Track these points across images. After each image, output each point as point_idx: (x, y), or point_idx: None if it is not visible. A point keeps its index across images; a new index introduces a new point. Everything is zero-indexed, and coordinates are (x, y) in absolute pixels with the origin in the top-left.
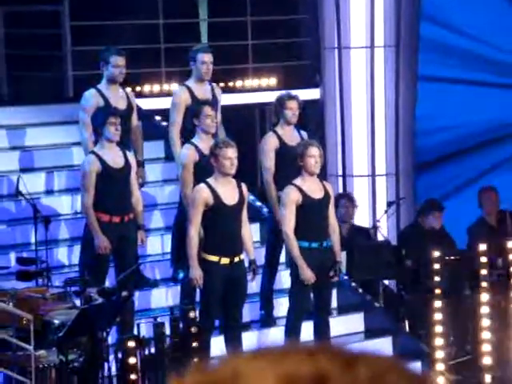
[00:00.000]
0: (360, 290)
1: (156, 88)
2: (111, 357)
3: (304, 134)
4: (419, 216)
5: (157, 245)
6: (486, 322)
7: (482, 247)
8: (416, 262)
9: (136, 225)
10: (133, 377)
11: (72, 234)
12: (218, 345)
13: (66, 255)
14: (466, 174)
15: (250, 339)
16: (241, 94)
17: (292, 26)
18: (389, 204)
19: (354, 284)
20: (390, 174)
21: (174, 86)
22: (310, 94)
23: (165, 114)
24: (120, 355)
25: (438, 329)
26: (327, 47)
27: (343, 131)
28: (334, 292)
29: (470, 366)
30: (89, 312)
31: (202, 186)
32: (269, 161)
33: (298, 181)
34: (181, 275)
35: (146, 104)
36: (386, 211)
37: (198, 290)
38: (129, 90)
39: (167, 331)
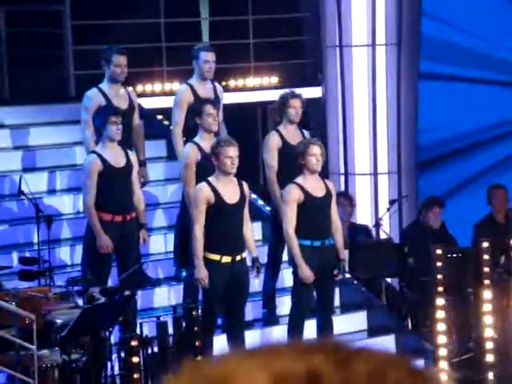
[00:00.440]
0: (363, 289)
1: (158, 87)
2: (114, 356)
3: (306, 133)
4: (420, 213)
5: (159, 244)
6: (488, 320)
7: (485, 244)
8: (418, 260)
9: (138, 224)
10: (136, 376)
11: (74, 233)
12: (220, 343)
13: (69, 255)
14: (468, 172)
15: (252, 338)
16: (242, 93)
17: (293, 25)
18: (391, 202)
19: (356, 282)
20: (392, 172)
21: (176, 85)
22: (312, 92)
23: (167, 113)
24: (123, 354)
25: (441, 326)
26: (329, 45)
27: (345, 129)
28: (337, 290)
29: (472, 363)
30: (91, 311)
31: (203, 184)
32: (272, 159)
33: (299, 179)
34: (183, 274)
35: (147, 103)
36: (388, 209)
37: (200, 289)
38: (130, 89)
39: (170, 330)
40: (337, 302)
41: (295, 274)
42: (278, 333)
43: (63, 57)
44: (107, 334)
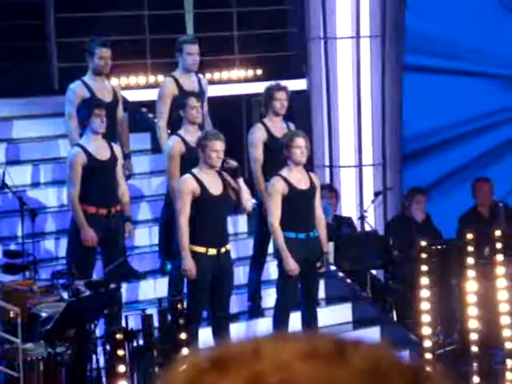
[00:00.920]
0: (348, 281)
1: (142, 80)
2: (99, 349)
3: (291, 125)
4: (404, 205)
5: (144, 237)
6: (473, 311)
7: (470, 236)
8: (403, 252)
9: (123, 217)
10: (121, 369)
11: (59, 226)
12: (206, 336)
13: (53, 248)
14: (453, 164)
15: (238, 330)
16: (227, 85)
17: (278, 17)
18: (376, 194)
19: (341, 274)
20: (376, 164)
21: (160, 78)
22: (297, 84)
23: (151, 105)
24: (108, 347)
25: (426, 318)
26: (313, 37)
27: (330, 122)
28: (322, 282)
29: (457, 355)
30: (76, 305)
31: (188, 176)
32: (257, 152)
33: (284, 172)
34: (168, 267)
35: (132, 96)
36: (372, 201)
37: (185, 282)
38: (114, 81)
39: (155, 323)
40: (322, 294)
41: (280, 266)
42: (263, 325)
43: (47, 49)
44: (92, 327)
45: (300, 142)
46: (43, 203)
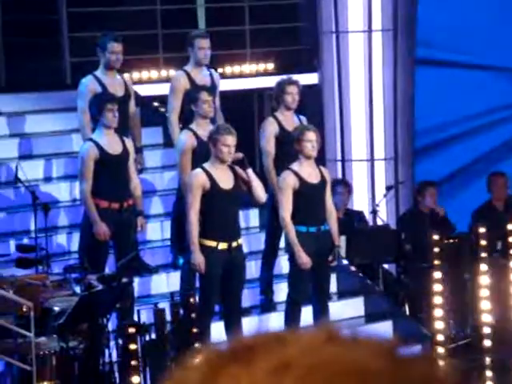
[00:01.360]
0: (360, 275)
1: (154, 74)
2: (112, 343)
3: (303, 119)
4: (416, 199)
5: (156, 231)
6: (485, 305)
7: (482, 230)
8: (416, 246)
9: (135, 211)
10: (133, 363)
11: (71, 220)
12: (218, 330)
13: (66, 242)
14: (465, 158)
15: (249, 324)
16: (239, 80)
17: (290, 11)
18: (388, 188)
19: (353, 268)
20: (388, 158)
21: (172, 72)
22: (308, 78)
23: (163, 99)
24: (121, 341)
25: (438, 312)
26: (325, 31)
27: (342, 116)
28: (334, 276)
29: (470, 349)
30: (89, 299)
31: (198, 170)
32: (269, 146)
33: (294, 166)
34: (181, 261)
35: (144, 90)
36: (384, 195)
37: (197, 276)
38: (126, 76)
39: (167, 317)
40: (334, 288)
41: (291, 260)
42: (275, 319)
43: (59, 44)
44: (105, 321)
45: (311, 135)
46: (56, 197)
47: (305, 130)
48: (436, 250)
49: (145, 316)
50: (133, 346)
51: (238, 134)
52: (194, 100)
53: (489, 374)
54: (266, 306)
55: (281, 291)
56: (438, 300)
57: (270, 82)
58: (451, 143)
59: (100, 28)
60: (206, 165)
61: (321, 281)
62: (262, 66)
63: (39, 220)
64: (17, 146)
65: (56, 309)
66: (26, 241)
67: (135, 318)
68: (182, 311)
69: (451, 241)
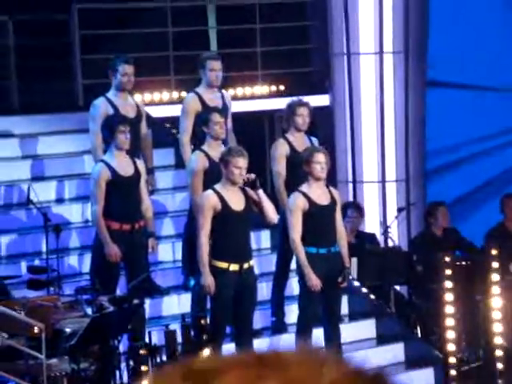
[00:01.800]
0: (371, 296)
1: (166, 96)
2: (123, 365)
3: (315, 140)
4: (428, 221)
5: (168, 252)
6: (498, 328)
7: (495, 252)
8: (427, 268)
9: (146, 232)
10: None
11: (83, 242)
12: (229, 352)
13: (77, 263)
14: (477, 180)
15: (261, 346)
16: (250, 101)
17: (301, 33)
18: (399, 210)
19: (365, 290)
20: (400, 179)
21: (184, 94)
22: (320, 100)
23: (175, 121)
24: (132, 363)
25: (450, 334)
26: (336, 53)
27: (353, 137)
28: (346, 298)
29: (482, 371)
30: (100, 320)
31: (210, 192)
32: (280, 167)
33: (304, 187)
34: (192, 283)
35: (155, 112)
36: (396, 217)
37: (208, 298)
38: (138, 97)
39: (179, 339)
40: (345, 309)
41: (302, 282)
42: (287, 341)
43: (71, 66)
44: (116, 342)
45: (320, 157)
46: (67, 219)
47: (314, 152)
48: (448, 271)
49: (156, 337)
50: (144, 368)
51: (249, 156)
52: (206, 121)
53: None
54: (278, 327)
55: (292, 313)
56: (449, 322)
57: (282, 103)
58: (463, 164)
59: (112, 50)
60: (217, 186)
61: (331, 303)
62: (273, 88)
63: (51, 241)
64: (29, 168)
65: (67, 330)
66: (37, 262)
67: (146, 339)
68: (192, 333)
69: (463, 263)
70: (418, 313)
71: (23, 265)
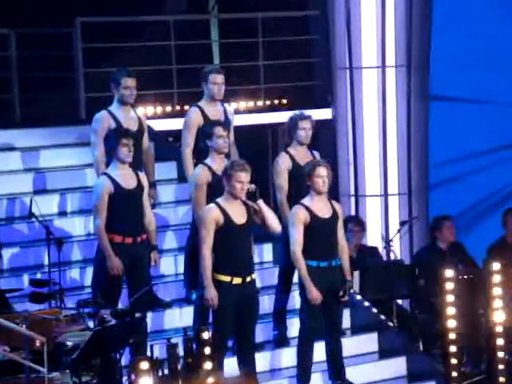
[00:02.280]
0: (373, 310)
1: (168, 109)
2: (125, 378)
3: (317, 154)
4: (434, 236)
5: (170, 265)
6: (500, 342)
7: (496, 266)
8: (430, 282)
9: (149, 246)
10: None
11: (85, 255)
12: (231, 365)
13: (79, 277)
14: (479, 193)
15: (263, 359)
16: (253, 115)
17: (303, 47)
18: (401, 223)
19: (367, 304)
20: (402, 193)
21: (186, 107)
22: (322, 114)
23: (177, 134)
24: (133, 376)
25: (453, 348)
26: (339, 67)
27: (355, 151)
28: (348, 312)
29: None
30: (102, 334)
31: (212, 205)
32: (282, 181)
33: (306, 200)
34: (194, 296)
35: (158, 125)
36: (398, 231)
37: (210, 311)
38: (140, 111)
39: (181, 352)
40: (347, 323)
41: (303, 295)
42: (288, 355)
43: (74, 79)
44: (118, 356)
45: (322, 171)
46: (69, 232)
47: (316, 166)
48: (450, 285)
49: (158, 351)
50: (146, 381)
51: (252, 169)
52: (209, 135)
53: None
54: (279, 341)
55: (294, 326)
56: (452, 336)
57: (284, 117)
58: (465, 179)
59: (114, 63)
60: (220, 200)
61: (333, 316)
62: (275, 102)
63: (53, 254)
64: (31, 181)
65: (69, 344)
66: (39, 275)
67: (148, 352)
68: (195, 346)
69: (465, 277)
70: (421, 327)
71: (25, 278)
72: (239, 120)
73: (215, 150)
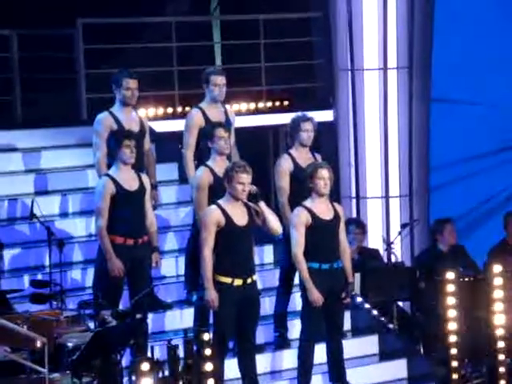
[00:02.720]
0: (374, 312)
1: (169, 110)
2: (125, 379)
3: (318, 156)
4: (435, 238)
5: (171, 267)
6: (501, 344)
7: (497, 269)
8: (431, 284)
9: (150, 247)
10: None
11: (86, 256)
12: (231, 367)
13: (80, 278)
14: (481, 195)
15: (264, 361)
16: (254, 116)
17: (305, 48)
18: (403, 226)
19: (367, 306)
20: (403, 195)
21: (188, 109)
22: (324, 115)
23: (178, 136)
24: (134, 378)
25: (453, 351)
26: (340, 69)
27: (356, 153)
28: (348, 314)
29: None
30: (103, 335)
31: (213, 207)
32: (283, 183)
33: (307, 202)
34: (194, 297)
35: (159, 126)
36: (399, 233)
37: (211, 312)
38: (142, 112)
39: (181, 353)
40: (348, 325)
41: (304, 297)
42: (289, 356)
43: (75, 80)
44: (118, 357)
45: (323, 173)
46: (71, 233)
47: (317, 168)
48: (451, 288)
49: (158, 352)
50: (146, 383)
51: (253, 171)
52: (210, 136)
53: None
54: (280, 342)
55: (295, 328)
56: (452, 338)
57: (285, 118)
58: (466, 181)
59: (116, 65)
60: (221, 201)
61: (334, 318)
62: (277, 103)
63: (54, 255)
64: (32, 182)
65: (70, 344)
66: (40, 276)
67: (149, 354)
68: (195, 347)
69: (466, 279)
70: (421, 329)
71: (26, 279)
72: (240, 122)
73: (216, 152)
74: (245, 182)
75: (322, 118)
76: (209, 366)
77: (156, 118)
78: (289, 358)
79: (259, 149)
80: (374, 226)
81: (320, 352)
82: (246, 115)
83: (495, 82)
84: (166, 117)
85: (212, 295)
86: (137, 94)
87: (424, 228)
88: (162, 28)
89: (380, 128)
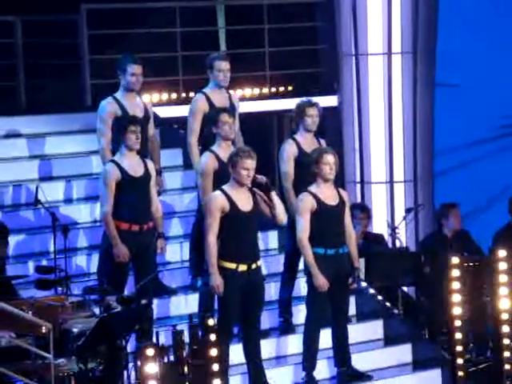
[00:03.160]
0: (379, 297)
1: (174, 96)
2: (130, 365)
3: (323, 141)
4: (440, 223)
5: (175, 253)
6: (506, 329)
7: (502, 253)
8: (437, 269)
9: (155, 233)
10: None
11: (91, 242)
12: (236, 352)
13: (85, 263)
14: (485, 180)
15: (268, 346)
16: (258, 102)
17: (309, 33)
18: (407, 210)
19: (372, 291)
20: (408, 180)
21: (192, 94)
22: (328, 101)
23: (183, 121)
24: (139, 363)
25: (458, 335)
26: (345, 54)
27: (361, 138)
28: (353, 299)
29: (490, 372)
30: (108, 320)
31: (218, 193)
32: (288, 168)
33: (312, 188)
34: (199, 283)
35: (164, 112)
36: (404, 218)
37: (216, 298)
38: (146, 98)
39: (186, 339)
40: (353, 310)
41: (309, 282)
42: (294, 342)
43: (79, 66)
44: (124, 342)
45: (329, 158)
46: (75, 219)
47: (323, 153)
48: (455, 273)
49: (163, 338)
50: (151, 368)
51: (258, 156)
52: (215, 122)
53: None
54: (285, 328)
55: (300, 313)
56: (457, 323)
57: (290, 104)
58: (471, 166)
59: (120, 50)
60: (226, 187)
61: (339, 303)
62: (281, 89)
63: (59, 241)
64: (37, 168)
65: (75, 330)
66: (45, 262)
67: (154, 339)
68: (200, 333)
69: (471, 264)
70: (426, 314)
71: (31, 265)
72: (245, 107)
73: (221, 137)
74: (249, 167)
75: (326, 103)
76: (214, 352)
77: (160, 104)
78: (294, 344)
79: (263, 134)
80: (378, 210)
81: (325, 337)
82: (250, 100)
83: (500, 67)
84: (170, 102)
85: (217, 281)
86: (141, 79)
87: (428, 213)
88: (166, 13)
89: (384, 113)
